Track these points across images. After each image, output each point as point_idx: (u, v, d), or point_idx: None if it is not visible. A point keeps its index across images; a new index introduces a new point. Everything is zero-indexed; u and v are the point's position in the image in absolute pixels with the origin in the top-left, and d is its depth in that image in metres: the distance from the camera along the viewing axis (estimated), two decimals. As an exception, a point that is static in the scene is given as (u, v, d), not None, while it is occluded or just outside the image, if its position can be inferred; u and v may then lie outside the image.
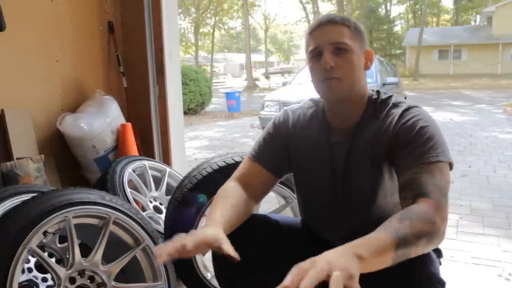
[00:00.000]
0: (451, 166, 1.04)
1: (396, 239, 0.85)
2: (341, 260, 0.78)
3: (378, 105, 1.16)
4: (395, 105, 1.15)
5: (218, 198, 1.17)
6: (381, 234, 0.86)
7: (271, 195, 1.96)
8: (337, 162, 1.18)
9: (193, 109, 11.56)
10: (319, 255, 0.81)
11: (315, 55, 1.14)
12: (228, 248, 0.95)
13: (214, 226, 1.03)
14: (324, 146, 1.21)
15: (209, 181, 1.71)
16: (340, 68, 1.11)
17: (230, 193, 1.18)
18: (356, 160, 1.16)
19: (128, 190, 2.11)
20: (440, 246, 1.03)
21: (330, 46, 1.11)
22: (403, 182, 1.02)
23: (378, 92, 1.20)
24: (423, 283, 0.99)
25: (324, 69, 1.11)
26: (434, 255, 1.06)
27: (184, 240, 0.93)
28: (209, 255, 1.24)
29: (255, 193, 1.24)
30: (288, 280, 0.75)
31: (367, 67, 1.17)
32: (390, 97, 1.18)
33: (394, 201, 1.16)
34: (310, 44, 1.15)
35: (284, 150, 1.26)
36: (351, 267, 0.77)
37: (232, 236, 1.14)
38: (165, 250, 0.91)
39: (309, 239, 1.30)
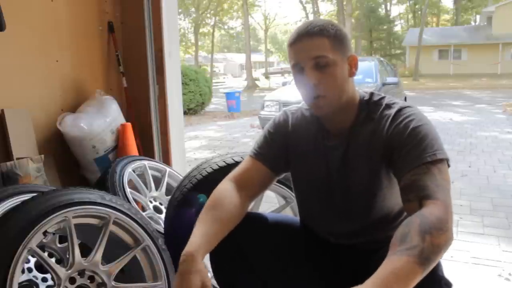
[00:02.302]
0: (448, 162, 1.03)
1: (421, 264, 0.83)
2: None
3: (371, 107, 1.16)
4: (388, 106, 1.14)
5: (207, 210, 1.15)
6: (405, 260, 0.83)
7: (271, 195, 1.96)
8: (332, 165, 1.18)
9: (193, 109, 11.56)
10: None
11: (298, 71, 1.13)
12: None
13: (191, 259, 1.02)
14: (320, 149, 1.21)
15: (209, 181, 1.70)
16: (323, 84, 1.09)
17: (222, 201, 1.16)
18: (352, 163, 1.15)
19: (128, 190, 2.11)
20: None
21: (310, 61, 1.09)
22: (404, 185, 1.02)
23: (371, 94, 1.19)
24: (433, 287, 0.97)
25: (307, 86, 1.11)
26: None
27: None
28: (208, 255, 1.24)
29: (252, 191, 1.24)
30: None
31: (352, 74, 1.15)
32: (383, 98, 1.17)
33: (392, 202, 1.16)
34: (291, 59, 1.14)
35: (283, 149, 1.26)
36: None
37: (230, 236, 1.14)
38: None
39: (308, 238, 1.30)
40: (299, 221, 1.36)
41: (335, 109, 1.13)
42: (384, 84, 7.46)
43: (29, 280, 1.68)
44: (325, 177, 1.20)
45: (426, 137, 1.03)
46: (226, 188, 1.21)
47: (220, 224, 1.12)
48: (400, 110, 1.11)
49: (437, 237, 0.86)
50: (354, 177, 1.15)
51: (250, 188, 1.23)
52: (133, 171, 2.25)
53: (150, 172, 2.34)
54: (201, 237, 1.07)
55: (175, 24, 2.89)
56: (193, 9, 30.45)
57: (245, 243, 1.21)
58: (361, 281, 0.84)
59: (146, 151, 2.71)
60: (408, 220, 0.92)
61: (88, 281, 1.41)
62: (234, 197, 1.18)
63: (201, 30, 32.16)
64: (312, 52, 1.09)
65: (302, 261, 1.27)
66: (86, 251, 1.45)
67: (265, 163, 1.24)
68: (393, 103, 1.14)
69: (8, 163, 1.99)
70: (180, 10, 28.98)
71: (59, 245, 1.73)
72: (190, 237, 1.08)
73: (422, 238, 0.86)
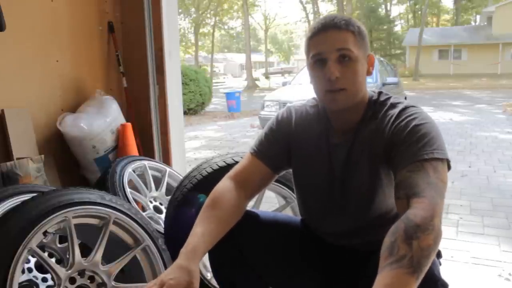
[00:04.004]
0: (448, 163, 1.02)
1: (414, 272, 0.83)
2: None
3: (377, 106, 1.15)
4: (393, 105, 1.13)
5: (206, 209, 1.16)
6: (397, 273, 0.83)
7: (271, 195, 1.96)
8: (336, 164, 1.18)
9: (193, 109, 11.55)
10: None
11: (317, 62, 1.10)
12: None
13: (191, 255, 1.03)
14: (324, 147, 1.20)
15: (209, 181, 1.70)
16: (345, 78, 1.08)
17: (221, 200, 1.16)
18: (354, 162, 1.15)
19: (128, 190, 2.11)
20: (440, 247, 1.03)
21: (334, 54, 1.08)
22: (398, 181, 1.01)
23: (379, 93, 1.19)
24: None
25: (328, 79, 1.08)
26: (435, 257, 1.06)
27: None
28: (207, 255, 1.24)
29: (251, 189, 1.23)
30: None
31: (369, 73, 1.15)
32: (389, 98, 1.17)
33: (391, 201, 1.15)
34: (312, 49, 1.11)
35: (284, 146, 1.25)
36: None
37: (230, 235, 1.14)
38: None
39: (307, 237, 1.30)
40: (299, 220, 1.36)
41: (350, 105, 1.12)
42: (384, 84, 7.46)
43: (29, 280, 1.68)
44: (327, 174, 1.19)
45: (427, 135, 1.02)
46: (225, 186, 1.20)
47: (219, 223, 1.12)
48: (404, 109, 1.10)
49: (424, 239, 0.86)
50: (356, 174, 1.15)
51: (250, 187, 1.23)
52: (133, 171, 2.25)
53: (150, 172, 2.34)
54: (200, 236, 1.08)
55: (175, 24, 2.89)
56: (193, 9, 30.44)
57: (245, 242, 1.21)
58: (361, 282, 0.84)
59: (146, 151, 2.71)
60: (394, 227, 0.90)
61: (88, 281, 1.41)
62: (233, 196, 1.18)
63: (201, 30, 32.14)
64: (338, 44, 1.08)
65: (302, 260, 1.27)
66: (86, 251, 1.45)
67: (265, 162, 1.24)
68: (398, 103, 1.13)
69: (8, 163, 1.99)
70: (180, 10, 28.98)
71: (59, 245, 1.73)
72: (189, 236, 1.08)
73: (409, 245, 0.85)
